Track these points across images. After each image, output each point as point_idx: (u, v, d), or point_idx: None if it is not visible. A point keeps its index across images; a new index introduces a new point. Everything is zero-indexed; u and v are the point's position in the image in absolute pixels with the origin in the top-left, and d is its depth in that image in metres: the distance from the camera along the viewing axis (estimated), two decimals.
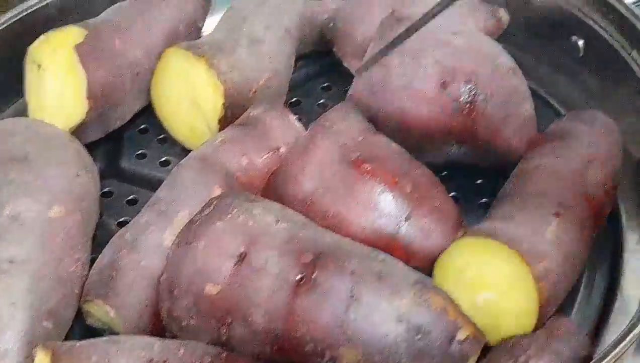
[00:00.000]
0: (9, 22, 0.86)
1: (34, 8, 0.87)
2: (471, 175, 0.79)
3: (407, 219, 0.66)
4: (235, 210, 0.62)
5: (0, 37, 0.85)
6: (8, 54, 0.83)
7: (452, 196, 0.77)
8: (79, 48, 0.77)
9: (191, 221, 0.63)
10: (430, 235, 0.66)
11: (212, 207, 0.63)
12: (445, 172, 0.79)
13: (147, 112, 0.86)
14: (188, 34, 0.88)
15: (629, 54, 0.75)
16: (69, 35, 0.79)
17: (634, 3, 0.77)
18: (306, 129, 0.75)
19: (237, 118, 0.77)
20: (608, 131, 0.72)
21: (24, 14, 0.87)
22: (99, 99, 0.78)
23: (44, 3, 0.88)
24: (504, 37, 0.87)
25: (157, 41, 0.84)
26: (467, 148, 0.75)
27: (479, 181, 0.79)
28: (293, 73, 0.88)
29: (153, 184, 0.78)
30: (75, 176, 0.70)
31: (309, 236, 0.61)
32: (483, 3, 0.86)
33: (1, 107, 0.87)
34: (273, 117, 0.75)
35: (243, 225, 0.61)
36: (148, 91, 0.83)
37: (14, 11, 0.86)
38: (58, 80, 0.78)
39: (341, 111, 0.72)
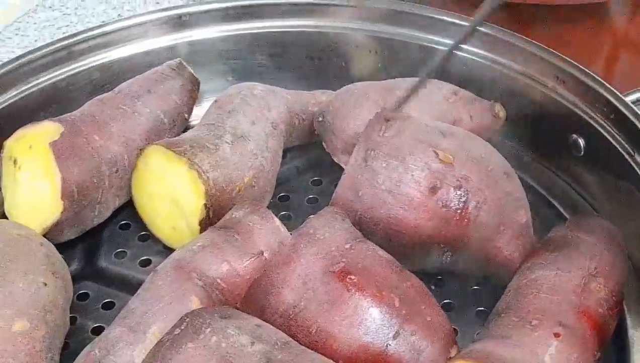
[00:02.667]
0: None
1: (12, 100, 0.85)
2: (467, 280, 0.75)
3: (395, 336, 0.61)
4: (209, 330, 0.57)
5: None
6: None
7: (447, 303, 0.73)
8: (54, 146, 0.74)
9: (160, 342, 0.58)
10: (420, 353, 0.62)
11: (183, 326, 0.58)
12: (440, 277, 0.75)
13: (129, 207, 0.82)
14: (172, 126, 0.85)
15: (631, 156, 0.71)
16: (45, 131, 0.75)
17: (634, 102, 0.74)
18: (294, 227, 0.71)
19: (219, 218, 0.73)
20: (612, 241, 0.68)
21: (2, 105, 0.84)
22: (75, 199, 0.75)
23: (22, 95, 0.85)
24: (503, 132, 0.84)
25: (139, 136, 0.81)
26: (460, 257, 0.71)
27: (475, 287, 0.75)
28: (282, 167, 0.85)
29: (131, 287, 0.74)
30: (42, 286, 0.66)
31: (287, 360, 0.56)
32: (479, 98, 0.83)
33: None
34: (256, 221, 0.71)
35: (216, 347, 0.56)
36: (129, 187, 0.80)
37: None
38: (33, 178, 0.74)
39: (326, 217, 0.68)
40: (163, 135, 0.83)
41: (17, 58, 0.88)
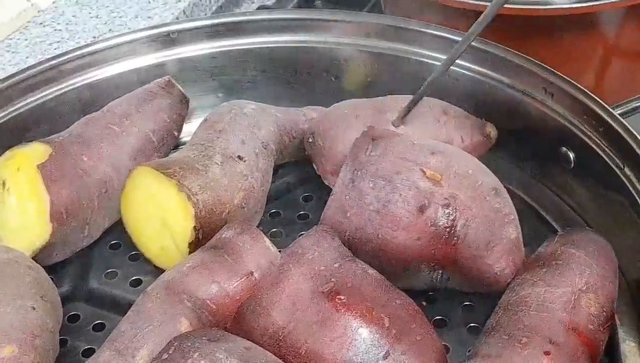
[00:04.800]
0: None
1: (1, 120, 0.85)
2: (459, 297, 0.74)
3: (385, 356, 0.61)
4: (197, 354, 0.57)
5: None
6: None
7: (439, 320, 0.73)
8: (42, 168, 0.74)
9: None
10: None
11: (171, 350, 0.58)
12: (431, 293, 0.75)
13: (120, 226, 0.82)
14: (162, 144, 0.85)
15: (621, 169, 0.71)
16: (33, 153, 0.75)
17: (622, 115, 0.73)
18: (285, 244, 0.71)
19: (208, 239, 0.73)
20: (602, 255, 0.67)
21: None
22: (64, 220, 0.74)
23: (12, 115, 0.86)
24: (493, 146, 0.84)
25: (128, 155, 0.81)
26: (450, 275, 0.71)
27: (467, 303, 0.74)
28: (273, 183, 0.85)
29: (122, 307, 0.74)
30: (30, 310, 0.65)
31: None
32: (470, 117, 0.83)
33: None
34: (246, 241, 0.71)
35: None
36: (118, 207, 0.79)
37: None
38: (21, 201, 0.74)
39: (315, 237, 0.67)
40: (152, 154, 0.83)
41: (6, 78, 0.88)
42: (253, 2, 1.38)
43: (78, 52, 0.91)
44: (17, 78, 0.88)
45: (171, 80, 0.89)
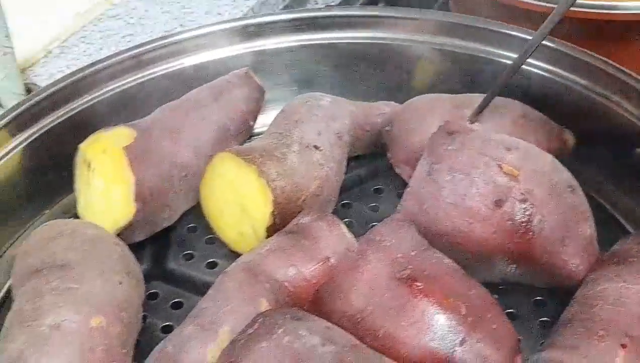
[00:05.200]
0: (60, 120, 0.86)
1: (86, 105, 0.88)
2: (530, 291, 0.75)
3: (461, 343, 0.62)
4: (281, 330, 0.59)
5: (51, 134, 0.85)
6: (57, 151, 0.84)
7: (510, 313, 0.74)
8: (128, 150, 0.77)
9: (234, 340, 0.60)
10: (485, 360, 0.62)
11: (256, 325, 0.60)
12: (503, 287, 0.76)
13: (197, 210, 0.84)
14: (238, 133, 0.88)
15: None
16: (119, 136, 0.78)
17: None
18: (356, 234, 0.73)
19: (285, 225, 0.75)
20: None
21: (74, 111, 0.87)
22: (147, 201, 0.77)
23: (95, 101, 0.89)
24: None
25: (207, 142, 0.83)
26: (524, 269, 0.71)
27: (538, 298, 0.75)
28: (345, 175, 0.87)
29: (199, 288, 0.77)
30: (117, 284, 0.68)
31: (356, 360, 0.58)
32: (549, 122, 0.83)
33: (50, 204, 0.87)
34: (323, 227, 0.73)
35: (288, 347, 0.58)
36: (197, 192, 0.82)
37: (65, 108, 0.87)
38: (106, 181, 0.77)
39: (392, 225, 0.69)
40: (229, 142, 0.86)
41: (90, 65, 0.91)
42: (317, 3, 1.40)
43: (159, 42, 0.94)
44: (99, 66, 0.91)
45: (249, 71, 0.92)
